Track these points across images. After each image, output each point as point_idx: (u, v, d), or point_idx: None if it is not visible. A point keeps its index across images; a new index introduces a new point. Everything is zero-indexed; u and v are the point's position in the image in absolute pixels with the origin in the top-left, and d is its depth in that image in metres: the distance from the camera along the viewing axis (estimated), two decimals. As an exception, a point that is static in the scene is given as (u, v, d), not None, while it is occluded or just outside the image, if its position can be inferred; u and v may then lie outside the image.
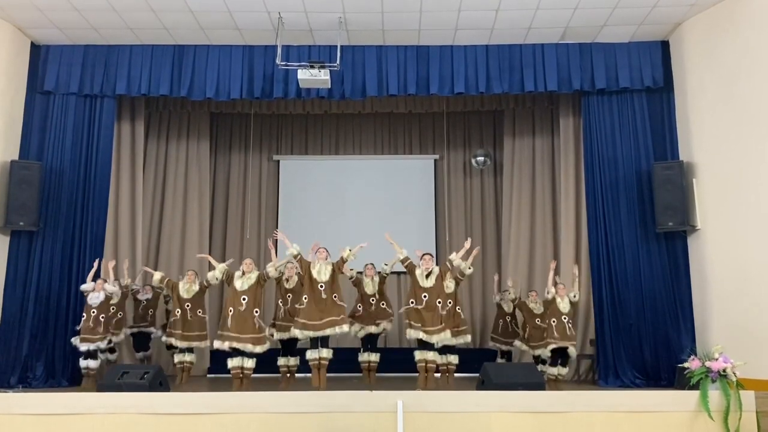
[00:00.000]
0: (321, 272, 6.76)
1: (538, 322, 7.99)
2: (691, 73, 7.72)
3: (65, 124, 8.13)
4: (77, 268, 7.89)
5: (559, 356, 7.50)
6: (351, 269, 7.43)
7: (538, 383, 6.07)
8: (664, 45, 8.16)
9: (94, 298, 7.35)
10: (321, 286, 6.71)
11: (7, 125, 7.78)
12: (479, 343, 10.12)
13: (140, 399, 5.56)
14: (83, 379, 7.36)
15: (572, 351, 7.50)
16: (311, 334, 6.69)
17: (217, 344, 6.70)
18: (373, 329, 7.51)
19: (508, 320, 8.56)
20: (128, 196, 9.19)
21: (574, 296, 7.66)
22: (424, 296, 6.83)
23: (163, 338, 7.75)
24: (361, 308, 7.63)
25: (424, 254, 7.09)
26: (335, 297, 6.76)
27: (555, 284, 7.70)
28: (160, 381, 6.08)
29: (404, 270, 7.26)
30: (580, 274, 8.22)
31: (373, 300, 7.56)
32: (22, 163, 7.76)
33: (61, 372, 7.58)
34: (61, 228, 7.89)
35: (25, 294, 7.63)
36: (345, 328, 6.73)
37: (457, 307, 7.47)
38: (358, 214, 10.44)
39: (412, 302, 6.90)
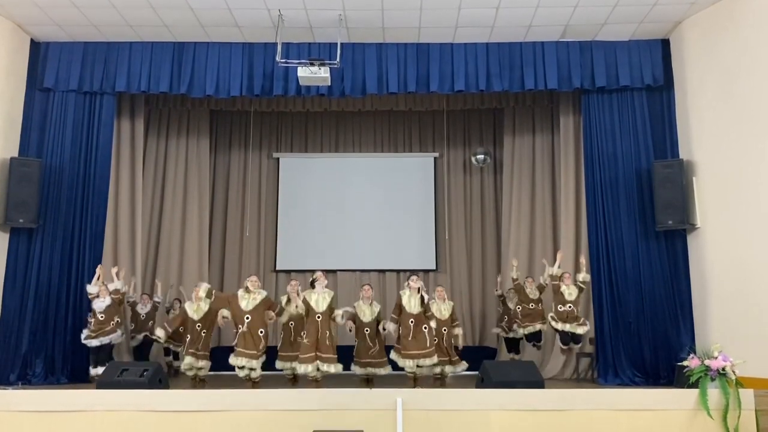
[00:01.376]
0: (319, 303, 6.81)
1: (532, 306, 8.29)
2: (691, 72, 7.72)
3: (65, 121, 8.11)
4: (77, 265, 7.89)
5: (571, 338, 7.63)
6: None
7: (537, 381, 6.08)
8: (665, 43, 8.14)
9: (100, 304, 7.33)
10: (318, 317, 6.75)
11: (7, 122, 7.76)
12: (479, 340, 10.14)
13: (140, 396, 5.57)
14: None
15: (582, 330, 7.54)
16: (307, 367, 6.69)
17: (231, 360, 6.78)
18: (372, 370, 7.21)
19: (512, 315, 8.67)
20: (128, 193, 9.18)
21: (583, 279, 7.69)
22: (411, 321, 6.87)
23: (182, 361, 7.50)
24: (358, 341, 7.27)
25: (410, 276, 7.26)
26: (330, 333, 6.80)
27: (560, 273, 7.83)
28: (159, 378, 6.08)
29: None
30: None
31: (368, 331, 7.16)
32: (21, 160, 7.75)
33: (60, 369, 7.56)
34: (61, 225, 7.88)
35: (25, 291, 7.62)
36: (334, 368, 6.70)
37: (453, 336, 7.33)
38: (358, 212, 10.44)
39: (400, 330, 6.98)
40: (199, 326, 7.20)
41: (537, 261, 9.54)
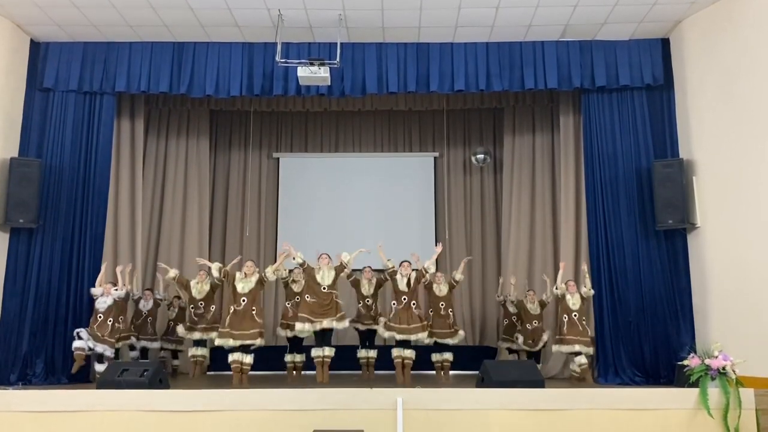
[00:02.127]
0: (324, 277, 7.18)
1: (536, 324, 8.23)
2: (691, 71, 7.72)
3: (65, 121, 8.11)
4: (77, 265, 7.89)
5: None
6: (350, 272, 7.76)
7: (537, 381, 6.08)
8: (665, 43, 8.14)
9: (102, 303, 7.28)
10: (324, 289, 7.16)
11: (7, 122, 7.76)
12: (479, 340, 10.14)
13: (140, 396, 5.57)
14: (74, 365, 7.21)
15: (587, 350, 7.51)
16: (311, 327, 7.10)
17: (218, 342, 7.08)
18: (371, 326, 7.84)
19: (514, 320, 8.68)
20: (128, 193, 9.18)
21: (587, 291, 7.65)
22: (404, 299, 7.38)
23: (180, 331, 7.74)
24: (360, 306, 8.00)
25: (402, 262, 7.65)
26: (335, 296, 7.26)
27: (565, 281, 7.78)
28: (159, 378, 6.08)
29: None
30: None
31: (369, 301, 7.90)
32: (21, 160, 7.75)
33: (60, 369, 7.55)
34: (61, 225, 7.88)
35: (25, 291, 7.62)
36: (345, 323, 7.25)
37: (450, 310, 7.82)
38: (358, 212, 10.43)
39: (393, 304, 7.49)
40: (201, 304, 7.56)
41: (537, 261, 9.55)
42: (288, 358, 7.88)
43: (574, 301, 7.58)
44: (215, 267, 7.33)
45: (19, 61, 8.01)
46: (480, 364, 6.43)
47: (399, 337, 7.30)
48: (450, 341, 7.71)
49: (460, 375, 8.36)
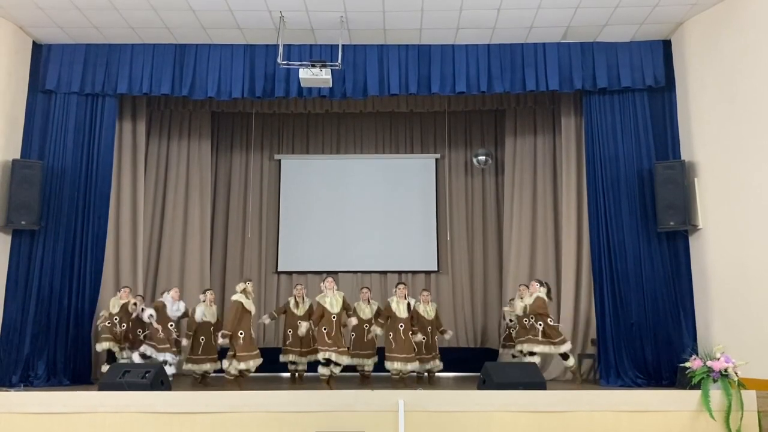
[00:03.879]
0: (333, 304, 7.20)
1: (525, 322, 8.18)
2: (693, 73, 7.71)
3: (67, 123, 8.12)
4: (79, 266, 7.90)
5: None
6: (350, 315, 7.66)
7: (538, 383, 6.07)
8: (666, 44, 8.14)
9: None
10: (333, 317, 7.16)
11: (9, 124, 7.78)
12: (480, 342, 10.14)
13: (141, 398, 5.57)
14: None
15: (532, 348, 7.57)
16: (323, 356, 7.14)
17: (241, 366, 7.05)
18: (366, 362, 7.78)
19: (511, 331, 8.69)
20: (129, 195, 9.19)
21: (524, 304, 7.75)
22: (400, 326, 7.39)
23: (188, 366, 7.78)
24: (353, 336, 7.87)
25: (398, 283, 7.72)
26: (344, 328, 7.32)
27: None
28: (161, 380, 6.08)
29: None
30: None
31: (366, 326, 7.76)
32: (23, 162, 7.77)
33: (62, 371, 7.58)
34: (63, 227, 7.89)
35: (27, 293, 7.63)
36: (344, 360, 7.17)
37: (435, 337, 7.96)
38: (359, 214, 10.45)
39: (390, 335, 7.45)
40: (212, 329, 7.71)
41: (539, 262, 9.57)
42: (291, 366, 7.91)
43: (521, 305, 7.75)
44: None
45: (21, 63, 8.03)
46: (481, 366, 6.43)
47: (398, 367, 7.30)
48: (427, 366, 7.84)
49: (462, 377, 8.36)
